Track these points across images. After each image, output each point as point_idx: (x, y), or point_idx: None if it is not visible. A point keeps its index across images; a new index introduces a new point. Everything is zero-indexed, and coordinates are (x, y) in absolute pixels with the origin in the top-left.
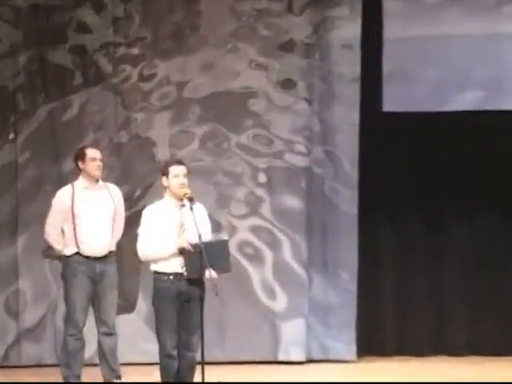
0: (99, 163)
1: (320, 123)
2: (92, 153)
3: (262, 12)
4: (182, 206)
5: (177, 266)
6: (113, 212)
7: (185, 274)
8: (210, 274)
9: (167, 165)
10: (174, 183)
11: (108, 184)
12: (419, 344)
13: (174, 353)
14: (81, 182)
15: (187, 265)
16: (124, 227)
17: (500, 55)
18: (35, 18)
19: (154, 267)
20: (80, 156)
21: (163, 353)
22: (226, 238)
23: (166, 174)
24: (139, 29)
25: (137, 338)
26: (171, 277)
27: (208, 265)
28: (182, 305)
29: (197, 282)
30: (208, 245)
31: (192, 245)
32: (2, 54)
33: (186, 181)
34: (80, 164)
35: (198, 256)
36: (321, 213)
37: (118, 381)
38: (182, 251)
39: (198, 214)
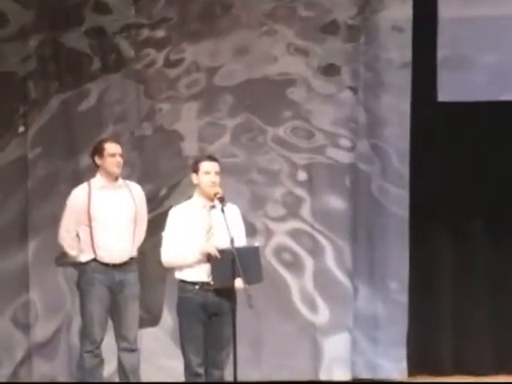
0: (119, 159)
1: (366, 114)
2: (111, 147)
3: None
4: (212, 206)
5: (203, 274)
6: (134, 213)
7: (211, 283)
8: (240, 283)
9: (198, 160)
10: (205, 181)
11: (128, 182)
12: (478, 362)
13: (200, 371)
14: (98, 181)
15: (213, 272)
16: (147, 230)
17: None
18: None
19: (178, 275)
20: (98, 151)
21: (188, 370)
22: (257, 244)
23: (195, 170)
24: (164, 8)
25: (161, 354)
26: (196, 286)
27: (238, 273)
28: (209, 318)
29: (227, 292)
30: (238, 251)
31: (220, 251)
32: (11, 36)
33: (217, 179)
34: (97, 160)
35: (227, 263)
36: (367, 215)
37: None
38: (208, 257)
39: (229, 215)
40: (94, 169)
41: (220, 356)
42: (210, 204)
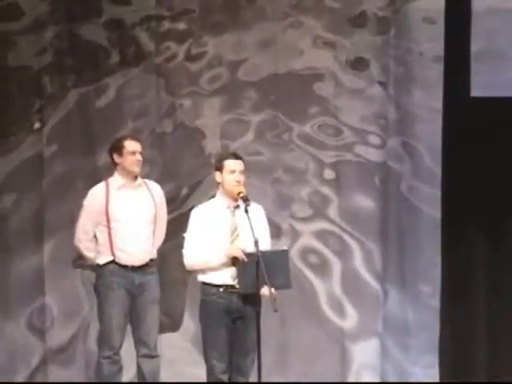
0: (139, 157)
1: (396, 110)
2: (131, 145)
3: None
4: (236, 207)
5: (227, 277)
6: (153, 214)
7: (237, 287)
8: (267, 289)
9: (222, 158)
10: (229, 180)
11: (148, 181)
12: None
13: (224, 377)
14: (116, 180)
15: (240, 277)
16: (167, 232)
17: None
18: None
19: (201, 277)
20: (117, 148)
21: (211, 377)
22: (285, 247)
23: (219, 168)
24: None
25: (182, 360)
26: (221, 289)
27: (265, 278)
28: (233, 323)
29: (252, 295)
30: (265, 255)
31: (246, 254)
32: (26, 29)
33: (242, 178)
34: (116, 158)
35: (254, 267)
36: (397, 215)
37: None
38: (233, 261)
39: (254, 216)
40: (112, 167)
41: (244, 362)
42: (234, 204)
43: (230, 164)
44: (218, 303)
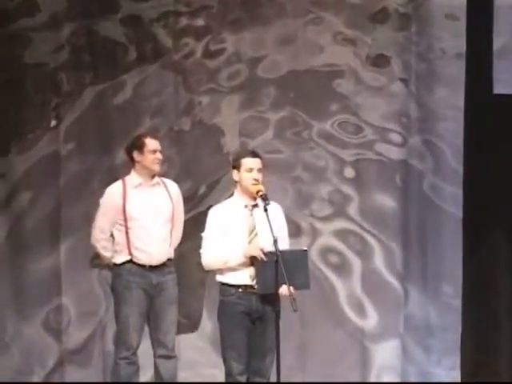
0: (160, 156)
1: (418, 108)
2: (152, 143)
3: None
4: (255, 205)
5: (246, 277)
6: (171, 213)
7: (255, 287)
8: (286, 289)
9: (239, 156)
10: (247, 178)
11: (165, 180)
12: None
13: (242, 379)
14: (134, 178)
15: (259, 277)
16: (185, 231)
17: None
18: None
19: (219, 278)
20: (137, 146)
21: (229, 378)
22: (305, 248)
23: (237, 166)
24: None
25: (200, 361)
26: (240, 290)
27: (283, 279)
28: (252, 323)
29: (271, 296)
30: (284, 254)
31: (265, 253)
32: (42, 25)
33: (260, 176)
34: (136, 156)
35: (273, 267)
36: (419, 214)
37: None
38: (252, 260)
39: (273, 215)
40: (129, 165)
41: (263, 363)
42: (252, 203)
43: (248, 162)
44: (238, 304)
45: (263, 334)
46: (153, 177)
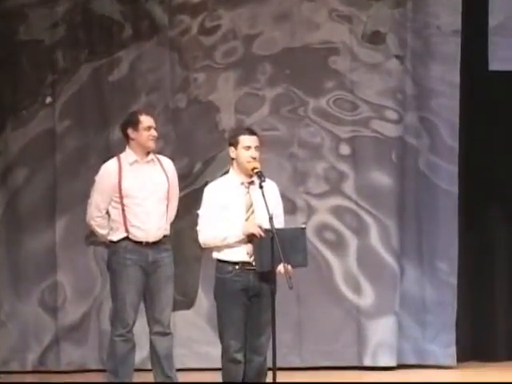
0: (155, 133)
1: (414, 85)
2: (147, 120)
3: None
4: (251, 183)
5: (243, 254)
6: (167, 189)
7: (253, 264)
8: (283, 267)
9: (237, 133)
10: (244, 156)
11: (160, 157)
12: None
13: (239, 357)
14: (129, 155)
15: (257, 255)
16: (181, 208)
17: None
18: None
19: (216, 255)
20: (132, 123)
21: (226, 357)
22: (303, 225)
23: (234, 144)
24: None
25: (196, 339)
26: (237, 267)
27: (282, 256)
28: (249, 300)
29: (267, 273)
30: (282, 232)
31: (263, 230)
32: (38, 2)
33: (258, 154)
34: (131, 133)
35: (270, 244)
36: (415, 191)
37: None
38: (250, 237)
39: (268, 193)
40: (124, 142)
41: (260, 341)
42: (249, 180)
43: (245, 140)
44: (235, 281)
45: (260, 311)
46: (148, 154)
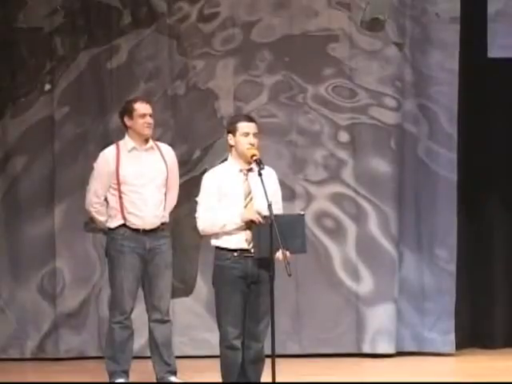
0: (150, 120)
1: (413, 72)
2: (142, 108)
3: None
4: (249, 170)
5: (242, 241)
6: (165, 177)
7: (252, 251)
8: (282, 253)
9: (235, 120)
10: (243, 143)
11: (159, 144)
12: None
13: (237, 343)
14: (127, 142)
15: (256, 241)
16: (180, 195)
17: None
18: None
19: (214, 242)
20: (127, 111)
21: (224, 343)
22: (302, 212)
23: (232, 131)
24: None
25: (195, 326)
26: (235, 254)
27: (281, 242)
28: (248, 287)
29: (266, 259)
30: (281, 219)
31: (263, 217)
32: None
33: (256, 141)
34: (127, 121)
35: (269, 231)
36: (413, 178)
37: (173, 378)
38: (249, 224)
39: (267, 180)
40: (123, 129)
41: (258, 327)
42: (247, 167)
43: (244, 126)
44: (233, 268)
45: (258, 298)
46: (146, 141)
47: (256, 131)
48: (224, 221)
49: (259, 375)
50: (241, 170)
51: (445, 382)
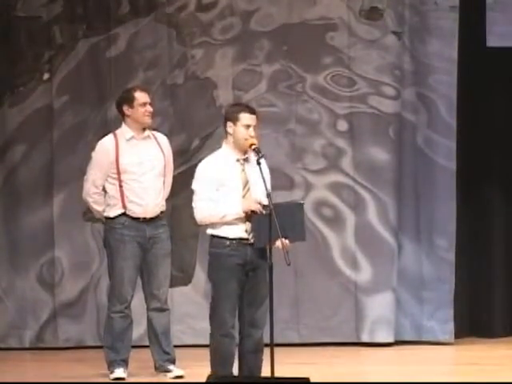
0: (150, 109)
1: (411, 61)
2: (142, 96)
3: None
4: (245, 159)
5: (241, 230)
6: (163, 165)
7: (251, 240)
8: (281, 243)
9: (237, 110)
10: (243, 134)
11: (155, 133)
12: None
13: (234, 332)
14: (125, 131)
15: (255, 231)
16: (178, 184)
17: None
18: None
19: (211, 231)
20: (127, 100)
21: (221, 331)
22: (301, 201)
23: (233, 120)
24: None
25: (193, 314)
26: (234, 242)
27: (280, 231)
28: (246, 275)
29: (265, 248)
30: (280, 207)
31: (263, 206)
32: None
33: (255, 133)
34: (126, 110)
35: (268, 220)
36: (412, 167)
37: (172, 367)
38: (248, 214)
39: (263, 168)
40: (120, 119)
41: (257, 314)
42: (243, 156)
43: (247, 118)
44: (232, 256)
45: (257, 285)
46: (144, 130)
47: (256, 123)
48: (224, 211)
49: (260, 365)
50: (238, 160)
51: (444, 382)
